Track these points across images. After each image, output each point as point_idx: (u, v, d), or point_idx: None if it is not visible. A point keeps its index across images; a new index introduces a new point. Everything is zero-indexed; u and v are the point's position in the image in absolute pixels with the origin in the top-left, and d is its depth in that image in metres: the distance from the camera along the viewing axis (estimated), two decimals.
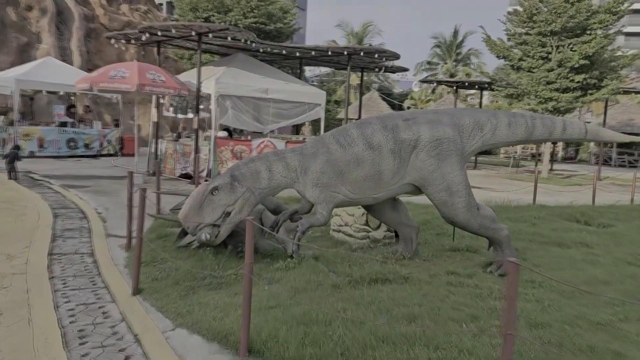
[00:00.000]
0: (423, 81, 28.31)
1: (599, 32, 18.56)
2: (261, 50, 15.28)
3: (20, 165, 13.30)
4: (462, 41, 46.77)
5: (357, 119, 22.83)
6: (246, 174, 6.01)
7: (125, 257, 6.83)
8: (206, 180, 13.26)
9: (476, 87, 22.93)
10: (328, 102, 22.73)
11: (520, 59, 19.81)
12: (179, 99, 15.24)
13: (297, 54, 15.94)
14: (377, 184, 6.21)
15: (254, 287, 5.82)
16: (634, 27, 67.74)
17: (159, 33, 13.39)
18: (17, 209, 9.53)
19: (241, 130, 15.97)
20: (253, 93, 14.42)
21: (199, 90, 13.71)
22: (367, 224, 7.83)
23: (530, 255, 7.36)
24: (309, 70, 45.84)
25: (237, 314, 4.68)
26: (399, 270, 6.20)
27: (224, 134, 14.86)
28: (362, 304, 5.12)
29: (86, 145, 18.88)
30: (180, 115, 15.30)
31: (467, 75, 42.44)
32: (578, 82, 18.70)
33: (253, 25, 19.68)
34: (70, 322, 4.68)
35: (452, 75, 42.65)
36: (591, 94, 19.36)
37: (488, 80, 21.87)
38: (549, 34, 18.84)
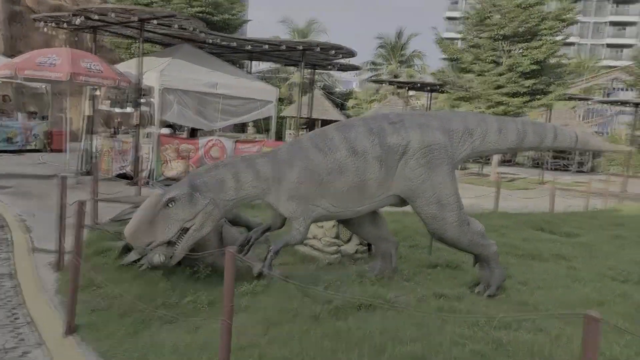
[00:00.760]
0: (374, 81, 28.00)
1: (548, 38, 18.83)
2: (210, 41, 14.13)
3: None
4: (406, 43, 47.04)
5: (306, 118, 22.07)
6: (209, 183, 5.05)
7: (56, 279, 5.69)
8: (148, 183, 12.07)
9: (427, 88, 22.82)
10: None
11: (472, 62, 19.79)
12: (117, 91, 13.81)
13: (249, 47, 14.90)
14: (361, 195, 5.44)
15: (215, 317, 4.90)
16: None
17: (95, 17, 11.99)
18: None
19: (180, 126, 14.76)
20: (200, 87, 13.30)
21: (140, 82, 12.43)
22: (337, 236, 7.05)
23: (513, 272, 6.86)
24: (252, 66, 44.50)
25: None
26: (384, 294, 5.47)
27: (168, 130, 13.62)
28: (352, 341, 4.34)
29: (8, 140, 16.89)
30: (117, 109, 13.87)
31: (411, 76, 42.70)
32: (527, 87, 18.89)
33: (199, 14, 18.39)
34: None
35: (396, 76, 42.76)
36: (538, 99, 19.64)
37: (439, 82, 21.75)
38: (500, 38, 18.91)
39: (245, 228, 7.26)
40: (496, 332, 4.78)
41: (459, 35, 19.57)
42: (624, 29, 78.00)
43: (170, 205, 4.93)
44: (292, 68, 45.60)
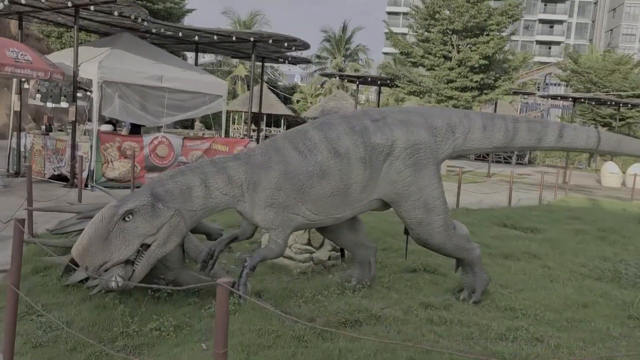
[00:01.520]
0: (326, 75, 27.54)
1: (496, 33, 19.09)
2: (154, 31, 13.13)
3: None
4: (350, 37, 47.05)
5: (254, 113, 21.29)
6: (173, 191, 4.38)
7: None
8: (88, 185, 11.01)
9: (378, 82, 22.65)
10: None
11: (422, 57, 19.77)
12: (49, 84, 12.57)
13: (196, 38, 14.01)
14: (344, 200, 4.95)
15: (183, 345, 4.30)
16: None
17: (23, 1, 10.75)
18: None
19: (117, 121, 13.69)
20: (145, 81, 12.35)
21: (76, 74, 11.34)
22: (309, 243, 6.53)
23: (491, 273, 6.55)
24: (191, 59, 42.90)
25: None
26: (369, 307, 5.03)
27: (109, 127, 12.56)
28: None
29: None
30: (51, 104, 12.64)
31: (356, 70, 42.69)
32: (476, 81, 19.08)
33: (139, 1, 17.19)
34: None
35: (341, 70, 42.65)
36: (486, 94, 19.91)
37: (390, 76, 21.62)
38: (450, 32, 18.97)
39: (205, 235, 6.61)
40: (494, 346, 4.46)
41: (401, 30, 19.40)
42: (552, 27, 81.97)
43: (128, 219, 4.23)
44: (235, 61, 44.44)
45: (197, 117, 16.40)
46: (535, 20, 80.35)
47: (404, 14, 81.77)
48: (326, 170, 4.77)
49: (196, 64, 16.45)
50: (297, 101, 45.28)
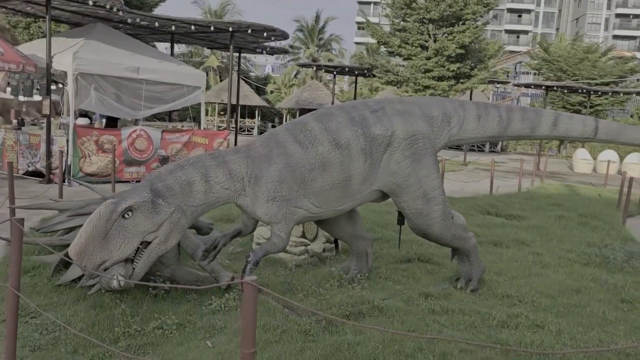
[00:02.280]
0: (301, 65, 27.33)
1: (472, 22, 19.27)
2: (129, 21, 12.77)
3: None
4: (323, 26, 46.85)
5: (226, 104, 21.02)
6: (174, 186, 4.27)
7: None
8: (65, 180, 10.69)
9: (355, 72, 22.63)
10: None
11: (399, 46, 19.82)
12: (20, 76, 12.11)
13: (173, 28, 13.70)
14: (345, 192, 4.91)
15: (188, 343, 4.22)
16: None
17: None
18: None
19: (94, 114, 13.36)
20: (121, 72, 12.05)
21: (49, 66, 10.96)
22: (304, 235, 6.49)
23: (485, 261, 6.60)
24: (166, 49, 41.93)
25: None
26: (370, 299, 5.03)
27: (85, 120, 12.22)
28: None
29: None
30: (22, 98, 12.18)
31: (329, 60, 42.59)
32: (453, 70, 19.25)
33: None
34: None
35: (314, 60, 42.43)
36: (462, 83, 20.12)
37: (367, 66, 21.65)
38: (427, 22, 19.05)
39: (194, 230, 6.49)
40: (498, 334, 4.52)
41: (372, 20, 19.31)
42: (520, 16, 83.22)
43: (127, 216, 4.10)
44: (207, 51, 43.75)
45: (175, 110, 16.08)
46: (503, 10, 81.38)
47: (375, 3, 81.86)
48: (327, 162, 4.72)
49: (172, 54, 16.11)
50: (271, 92, 44.93)
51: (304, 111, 32.35)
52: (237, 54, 17.95)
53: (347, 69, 23.06)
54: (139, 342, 4.10)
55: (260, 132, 34.16)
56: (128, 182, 11.54)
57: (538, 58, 36.48)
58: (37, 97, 11.91)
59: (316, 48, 46.27)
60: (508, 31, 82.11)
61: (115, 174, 10.35)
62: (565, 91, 29.35)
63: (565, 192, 14.29)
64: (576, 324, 4.85)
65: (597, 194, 14.33)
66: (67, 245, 5.01)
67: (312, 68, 30.34)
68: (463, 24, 19.20)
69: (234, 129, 18.08)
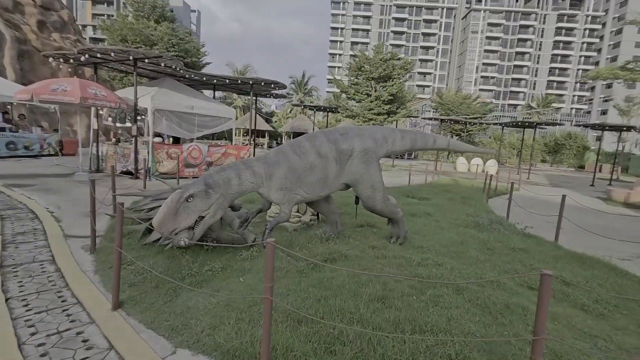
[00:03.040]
0: (294, 105, 26.99)
1: (397, 80, 19.31)
2: (187, 76, 12.38)
3: None
4: (307, 81, 46.35)
5: (248, 129, 20.63)
6: (219, 181, 4.16)
7: (92, 261, 4.42)
8: (147, 177, 10.34)
9: (328, 110, 22.52)
10: None
11: (354, 94, 19.74)
12: (117, 111, 11.68)
13: (214, 81, 13.33)
14: (324, 185, 4.86)
15: (228, 280, 4.12)
16: None
17: (98, 55, 9.85)
18: None
19: (167, 136, 12.93)
20: (182, 108, 11.66)
21: (136, 104, 10.57)
22: (298, 211, 6.41)
23: (407, 226, 6.73)
24: (209, 94, 41.17)
25: (233, 320, 3.02)
26: (340, 250, 4.99)
27: (159, 139, 11.84)
28: (333, 288, 3.81)
29: (26, 147, 13.64)
30: (119, 124, 11.74)
31: (311, 102, 42.26)
32: (386, 110, 19.26)
33: (174, 57, 16.18)
34: None
35: (301, 102, 42.07)
36: (392, 117, 20.18)
37: (334, 106, 21.56)
38: (371, 79, 19.02)
39: (230, 208, 6.35)
40: (416, 270, 4.52)
41: (337, 77, 19.30)
42: (425, 76, 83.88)
43: (190, 200, 3.99)
44: (234, 95, 42.97)
45: (216, 132, 15.72)
46: (415, 72, 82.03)
47: (338, 67, 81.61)
48: (314, 166, 4.67)
49: (214, 97, 15.70)
50: (275, 121, 44.41)
51: (296, 134, 32.04)
52: (254, 98, 17.68)
53: (322, 108, 22.89)
54: (197, 280, 4.00)
55: (269, 147, 33.74)
56: (187, 178, 11.26)
57: (436, 102, 36.94)
58: (128, 124, 11.48)
59: (302, 94, 45.78)
60: (418, 85, 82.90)
61: (179, 173, 10.08)
62: (452, 122, 29.77)
63: (452, 183, 14.48)
64: (461, 263, 4.87)
65: (471, 184, 14.59)
66: (150, 219, 4.85)
67: (300, 107, 29.99)
68: (392, 80, 19.25)
69: (253, 144, 17.79)
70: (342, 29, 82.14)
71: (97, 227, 5.33)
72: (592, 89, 70.76)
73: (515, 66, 78.31)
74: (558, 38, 77.63)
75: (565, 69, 78.03)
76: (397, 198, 9.68)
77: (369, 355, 2.65)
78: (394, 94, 18.75)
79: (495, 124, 23.38)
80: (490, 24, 78.26)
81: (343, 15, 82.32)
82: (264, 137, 36.35)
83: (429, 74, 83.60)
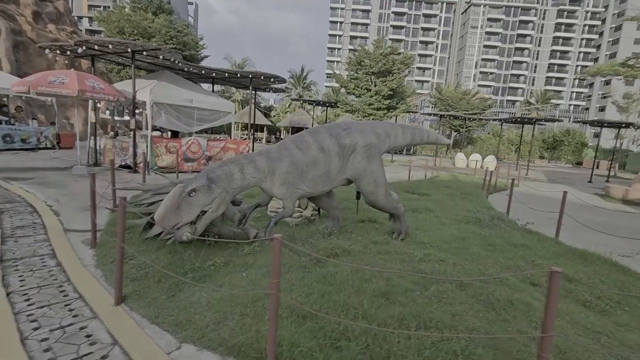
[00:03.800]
0: (292, 99, 26.85)
1: (397, 75, 19.21)
2: (185, 69, 12.24)
3: None
4: (306, 75, 46.05)
5: (247, 123, 20.52)
6: (221, 176, 4.12)
7: (93, 255, 4.39)
8: (147, 171, 10.27)
9: (327, 105, 22.43)
10: None
11: (354, 89, 19.64)
12: (115, 103, 11.54)
13: (213, 74, 13.20)
14: (327, 180, 4.84)
15: (231, 275, 4.10)
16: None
17: (96, 47, 9.70)
18: None
19: (162, 129, 12.82)
20: (181, 102, 11.54)
21: (134, 97, 10.45)
22: (299, 206, 6.38)
23: (408, 221, 6.72)
24: (207, 88, 40.95)
25: (237, 316, 3.01)
26: (342, 245, 4.97)
27: (157, 133, 11.74)
28: (336, 283, 3.80)
29: (23, 140, 13.49)
30: (117, 117, 11.62)
31: (310, 96, 42.04)
32: (386, 105, 19.18)
33: (172, 49, 15.98)
34: None
35: (300, 96, 41.85)
36: (392, 112, 20.10)
37: (334, 101, 21.45)
38: (371, 74, 18.90)
39: (231, 203, 6.31)
40: (419, 266, 4.52)
41: (337, 71, 19.16)
42: (424, 71, 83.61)
43: (192, 194, 3.95)
44: (233, 89, 42.64)
45: (215, 126, 15.62)
46: (415, 67, 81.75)
47: (338, 61, 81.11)
48: (317, 161, 4.64)
49: (212, 91, 15.57)
50: (274, 116, 44.15)
51: (294, 129, 31.92)
52: (253, 92, 17.54)
53: (320, 102, 22.81)
54: (200, 275, 3.98)
55: (267, 141, 33.61)
56: (186, 172, 11.20)
57: (435, 98, 36.84)
58: (126, 117, 11.37)
59: (301, 89, 45.52)
60: (418, 81, 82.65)
61: (178, 167, 10.03)
62: (451, 118, 29.75)
63: (452, 179, 14.49)
64: (463, 259, 4.87)
65: (470, 180, 14.59)
66: (150, 213, 4.82)
67: (299, 101, 29.85)
68: (392, 75, 19.14)
69: (252, 138, 17.69)
70: (341, 22, 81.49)
71: (97, 221, 5.28)
72: (591, 85, 70.84)
73: (514, 62, 78.17)
74: (557, 34, 77.45)
75: (564, 65, 78.01)
76: (398, 193, 9.67)
77: (375, 351, 2.65)
78: (393, 88, 18.65)
79: (494, 119, 23.36)
80: (489, 19, 77.90)
81: (342, 9, 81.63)
82: (262, 131, 36.19)
83: (428, 69, 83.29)
